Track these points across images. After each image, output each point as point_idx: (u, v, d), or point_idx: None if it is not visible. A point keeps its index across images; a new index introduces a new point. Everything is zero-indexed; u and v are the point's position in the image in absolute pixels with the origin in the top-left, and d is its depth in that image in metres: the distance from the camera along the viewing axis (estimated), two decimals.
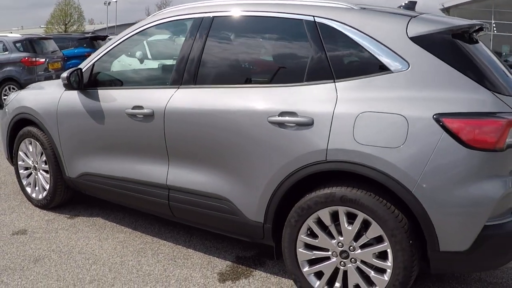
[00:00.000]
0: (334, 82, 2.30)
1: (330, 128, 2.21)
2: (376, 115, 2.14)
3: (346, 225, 2.25)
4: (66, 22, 52.25)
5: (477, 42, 2.41)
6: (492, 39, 20.72)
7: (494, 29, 21.12)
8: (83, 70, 3.26)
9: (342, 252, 2.30)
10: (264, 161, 2.42)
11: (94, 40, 14.33)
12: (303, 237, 2.38)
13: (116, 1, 51.34)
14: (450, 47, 2.18)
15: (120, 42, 3.23)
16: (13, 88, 9.14)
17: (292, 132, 2.31)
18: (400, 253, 2.13)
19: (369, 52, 2.25)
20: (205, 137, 2.64)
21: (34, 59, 9.38)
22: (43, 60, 9.61)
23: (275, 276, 2.78)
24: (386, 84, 2.19)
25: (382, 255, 2.22)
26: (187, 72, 2.78)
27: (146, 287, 2.65)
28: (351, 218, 2.25)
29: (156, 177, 2.91)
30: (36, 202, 3.82)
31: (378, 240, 2.21)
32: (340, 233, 2.29)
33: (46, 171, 3.69)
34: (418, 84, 2.15)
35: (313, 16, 2.42)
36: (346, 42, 2.33)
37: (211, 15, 2.81)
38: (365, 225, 2.23)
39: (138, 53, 5.27)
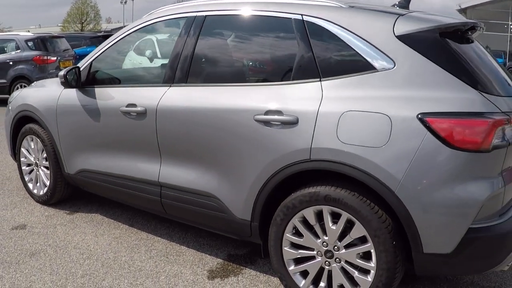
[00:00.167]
0: (320, 81, 2.29)
1: (314, 127, 2.20)
2: (359, 114, 2.12)
3: (330, 225, 2.25)
4: (83, 21, 53.00)
5: (471, 41, 2.36)
6: (509, 40, 20.32)
7: None
8: (81, 69, 3.32)
9: (326, 251, 2.29)
10: (250, 159, 2.43)
11: (106, 39, 14.47)
12: (288, 236, 2.38)
13: (133, 0, 51.86)
14: (437, 46, 2.15)
15: (118, 41, 3.28)
16: (25, 86, 9.32)
17: (278, 131, 2.32)
18: (383, 254, 2.12)
19: (355, 50, 2.24)
20: (195, 135, 2.66)
21: (45, 58, 9.55)
22: (55, 58, 9.78)
23: (264, 274, 2.79)
24: (371, 83, 2.17)
25: (366, 256, 2.20)
26: (179, 71, 2.81)
27: (136, 282, 2.68)
28: (335, 217, 2.24)
29: (149, 175, 2.95)
30: (37, 198, 3.89)
31: (362, 240, 2.19)
32: (325, 232, 2.28)
33: (47, 168, 3.77)
34: (404, 83, 2.12)
35: (302, 15, 2.42)
36: (333, 40, 2.32)
37: (204, 14, 2.83)
38: (350, 225, 2.22)
39: (148, 52, 5.32)
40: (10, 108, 4.05)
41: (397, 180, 2.03)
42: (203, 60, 2.84)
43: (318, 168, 2.21)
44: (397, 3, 2.73)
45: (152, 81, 3.35)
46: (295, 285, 2.40)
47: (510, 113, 2.08)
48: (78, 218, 3.62)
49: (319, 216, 2.28)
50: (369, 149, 2.08)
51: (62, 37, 11.25)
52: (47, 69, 9.45)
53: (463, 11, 21.93)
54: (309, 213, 2.28)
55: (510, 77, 2.46)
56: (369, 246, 2.16)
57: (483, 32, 2.60)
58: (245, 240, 2.76)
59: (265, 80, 2.62)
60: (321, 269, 2.33)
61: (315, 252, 2.33)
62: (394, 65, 2.15)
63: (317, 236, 2.31)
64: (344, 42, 2.27)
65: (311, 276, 2.35)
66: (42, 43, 9.83)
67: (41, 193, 3.85)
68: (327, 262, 2.30)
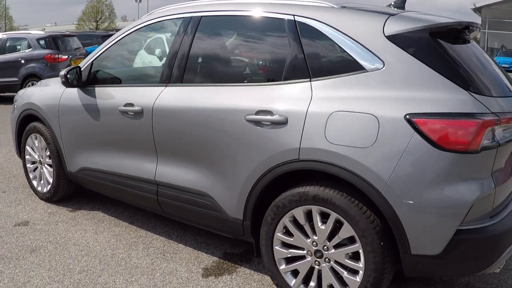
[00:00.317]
0: (310, 81, 2.29)
1: (303, 127, 2.21)
2: (347, 114, 2.12)
3: (319, 225, 2.25)
4: (98, 19, 53.57)
5: (466, 41, 2.33)
6: None
7: None
8: (82, 68, 3.38)
9: (316, 251, 2.30)
10: (242, 158, 2.45)
11: None
12: (279, 235, 2.39)
13: None
14: (427, 46, 2.13)
15: (118, 41, 3.32)
16: None
17: (268, 131, 2.33)
18: (371, 254, 2.12)
19: (345, 51, 2.24)
20: (190, 134, 2.69)
21: (56, 56, 9.70)
22: (66, 57, 9.92)
23: (258, 273, 2.80)
24: (360, 83, 2.17)
25: (355, 256, 2.21)
26: (175, 71, 2.84)
27: (132, 279, 2.73)
28: (324, 217, 2.24)
29: (146, 173, 2.99)
30: (41, 195, 3.98)
31: (351, 240, 2.19)
32: (314, 232, 2.29)
33: (50, 165, 3.84)
34: (392, 83, 2.11)
35: (293, 15, 2.42)
36: (323, 41, 2.32)
37: (199, 14, 2.85)
38: (339, 225, 2.22)
39: (157, 51, 5.36)
40: (16, 106, 4.14)
41: (384, 181, 2.02)
42: (198, 60, 2.87)
43: (307, 168, 2.22)
44: (392, 3, 2.71)
45: (150, 81, 3.40)
46: (286, 284, 2.41)
47: (502, 114, 2.05)
48: (80, 216, 3.68)
49: (309, 216, 2.29)
50: (356, 150, 2.07)
51: (74, 35, 11.40)
52: (58, 68, 9.58)
53: (478, 10, 21.57)
54: (299, 213, 2.29)
55: (508, 78, 2.42)
56: (357, 246, 2.16)
57: (480, 31, 2.58)
58: (240, 239, 2.78)
59: (257, 80, 2.63)
60: (311, 269, 2.34)
61: (305, 252, 2.34)
62: (383, 66, 2.14)
63: (307, 236, 2.32)
64: (335, 42, 2.27)
65: (301, 276, 2.36)
66: (54, 41, 9.98)
67: (45, 190, 3.92)
68: (317, 262, 2.31)
